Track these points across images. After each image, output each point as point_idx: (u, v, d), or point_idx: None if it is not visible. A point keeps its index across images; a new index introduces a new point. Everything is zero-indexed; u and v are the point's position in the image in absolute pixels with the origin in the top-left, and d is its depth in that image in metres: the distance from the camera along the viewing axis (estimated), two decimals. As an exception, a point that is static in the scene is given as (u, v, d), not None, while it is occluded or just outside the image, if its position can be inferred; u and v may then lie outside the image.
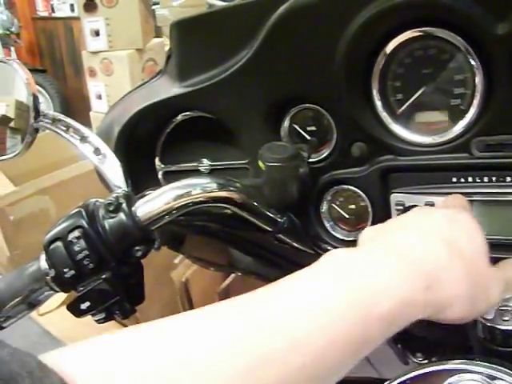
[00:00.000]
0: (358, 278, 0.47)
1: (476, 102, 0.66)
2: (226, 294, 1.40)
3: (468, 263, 0.52)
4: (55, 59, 6.02)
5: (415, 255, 0.50)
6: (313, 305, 0.45)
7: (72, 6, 5.60)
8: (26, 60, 5.86)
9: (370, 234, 0.57)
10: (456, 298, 0.51)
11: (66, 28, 5.76)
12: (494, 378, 0.54)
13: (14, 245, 2.21)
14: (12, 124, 0.83)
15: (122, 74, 3.87)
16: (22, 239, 2.21)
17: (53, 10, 5.94)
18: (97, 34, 3.87)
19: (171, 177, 0.92)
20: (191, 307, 1.49)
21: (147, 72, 3.88)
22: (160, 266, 1.39)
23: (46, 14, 6.03)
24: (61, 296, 1.30)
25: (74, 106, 5.48)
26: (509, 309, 0.60)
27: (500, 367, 0.55)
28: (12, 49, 5.73)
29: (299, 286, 0.47)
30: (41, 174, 2.34)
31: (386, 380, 0.59)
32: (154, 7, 3.93)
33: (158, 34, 4.14)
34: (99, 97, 4.07)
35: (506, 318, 0.61)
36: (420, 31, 0.67)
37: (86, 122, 3.85)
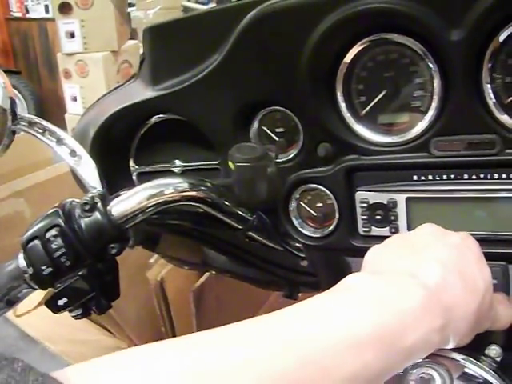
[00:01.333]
0: (385, 309, 0.47)
1: (434, 104, 0.69)
2: (200, 293, 1.42)
3: (479, 300, 0.53)
4: (29, 61, 5.96)
5: (437, 288, 0.50)
6: (338, 333, 0.44)
7: (47, 6, 5.54)
8: (0, 61, 5.80)
9: (382, 256, 0.57)
10: (463, 336, 0.52)
11: (41, 29, 5.71)
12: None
13: (-11, 246, 2.20)
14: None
15: (97, 75, 3.87)
16: (-4, 241, 2.19)
17: (27, 11, 5.88)
18: (72, 35, 3.87)
19: (145, 177, 0.93)
20: (167, 306, 1.50)
21: (122, 74, 3.89)
22: (135, 266, 1.41)
23: (19, 14, 5.96)
24: (38, 297, 1.31)
25: (49, 107, 5.44)
26: None
27: (456, 353, 0.58)
28: (-15, 50, 5.68)
29: (325, 311, 0.47)
30: (16, 177, 2.33)
31: None
32: (129, 9, 3.94)
33: (133, 36, 4.14)
34: (74, 99, 4.06)
35: None
36: (381, 37, 0.70)
37: (61, 124, 3.82)
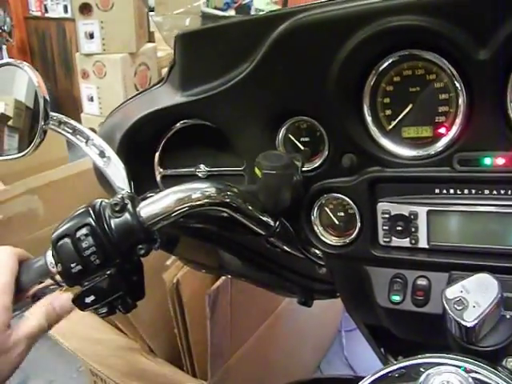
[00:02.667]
0: None
1: (458, 120, 0.71)
2: (215, 296, 1.43)
3: None
4: (46, 59, 5.99)
5: None
6: None
7: (66, 6, 5.56)
8: (17, 59, 5.83)
9: None
10: None
11: (59, 29, 5.73)
12: (470, 371, 0.56)
13: (2, 244, 2.22)
14: (15, 124, 0.86)
15: (115, 77, 3.89)
16: (10, 238, 2.21)
17: (46, 10, 5.91)
18: (91, 36, 3.89)
19: (169, 180, 0.96)
20: (181, 308, 1.52)
21: (139, 76, 3.91)
22: (152, 268, 1.42)
23: (38, 13, 5.99)
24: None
25: (64, 107, 5.46)
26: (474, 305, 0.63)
27: (475, 361, 0.58)
28: (3, 47, 5.71)
29: None
30: (31, 174, 2.35)
31: (364, 377, 0.61)
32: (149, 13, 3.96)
33: (151, 39, 4.17)
34: (91, 99, 4.08)
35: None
36: (409, 53, 0.71)
37: (77, 124, 3.85)
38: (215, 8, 3.94)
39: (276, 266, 1.05)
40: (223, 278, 1.46)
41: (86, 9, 3.85)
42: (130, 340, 1.76)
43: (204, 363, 1.58)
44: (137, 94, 0.97)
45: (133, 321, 1.60)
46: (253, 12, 3.82)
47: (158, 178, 0.96)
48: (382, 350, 0.89)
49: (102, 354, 1.70)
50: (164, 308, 1.54)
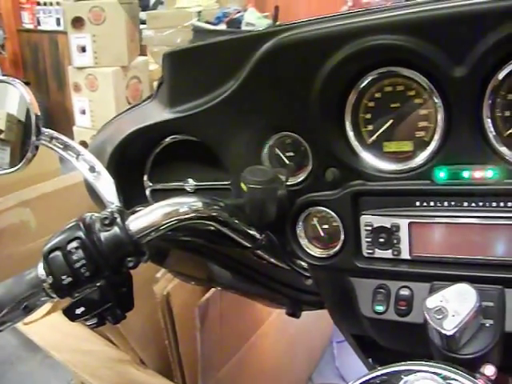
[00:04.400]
0: None
1: (437, 135, 0.73)
2: (205, 308, 1.44)
3: None
4: (39, 72, 6.00)
5: None
6: None
7: (58, 19, 5.58)
8: (10, 72, 5.82)
9: None
10: None
11: (51, 41, 5.74)
12: (448, 378, 0.58)
13: (-6, 256, 2.21)
14: (7, 137, 0.87)
15: (107, 90, 3.91)
16: (2, 250, 2.21)
17: (38, 23, 5.92)
18: (83, 49, 3.92)
19: (158, 194, 0.97)
20: (172, 320, 1.52)
21: (131, 89, 3.93)
22: (143, 280, 1.43)
23: (31, 26, 6.00)
24: (46, 307, 1.34)
25: (57, 119, 5.47)
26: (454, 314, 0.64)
27: (453, 369, 0.59)
28: (-4, 60, 5.73)
29: None
30: (23, 187, 2.35)
31: None
32: (141, 26, 3.99)
33: (143, 53, 4.19)
34: (83, 112, 4.10)
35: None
36: (389, 70, 0.74)
37: (69, 137, 3.85)
38: (207, 22, 3.98)
39: (264, 277, 1.06)
40: (213, 289, 1.47)
41: (78, 22, 3.88)
42: (120, 352, 1.76)
43: (195, 374, 1.59)
44: (127, 109, 0.98)
45: (123, 332, 1.61)
46: (244, 26, 3.85)
47: (148, 192, 0.98)
48: (370, 360, 0.90)
49: (93, 365, 1.70)
50: (155, 320, 1.55)
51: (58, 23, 5.62)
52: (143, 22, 4.21)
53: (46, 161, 2.60)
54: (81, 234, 0.69)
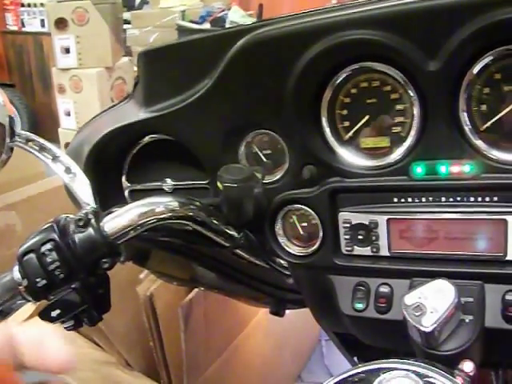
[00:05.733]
0: None
1: (413, 130, 0.72)
2: (188, 308, 1.44)
3: None
4: (24, 74, 5.97)
5: None
6: None
7: (43, 21, 5.57)
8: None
9: None
10: None
11: (36, 43, 5.73)
12: (425, 376, 0.57)
13: (-20, 259, 2.20)
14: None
15: (91, 91, 3.90)
16: (-13, 254, 2.19)
17: (23, 25, 5.90)
18: (67, 51, 3.90)
19: (137, 195, 0.96)
20: (156, 321, 1.52)
21: (116, 90, 3.92)
22: (126, 281, 1.43)
23: (15, 28, 5.98)
24: (29, 309, 1.32)
25: (42, 121, 5.45)
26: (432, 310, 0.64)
27: (430, 366, 0.59)
28: (-20, 62, 5.70)
29: None
30: (8, 190, 2.33)
31: None
32: (125, 26, 3.98)
33: (128, 54, 4.18)
34: (68, 113, 4.09)
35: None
36: (363, 65, 0.73)
37: (55, 138, 3.85)
38: (191, 21, 3.97)
39: (246, 277, 1.06)
40: (196, 290, 1.47)
41: (61, 23, 3.86)
42: (106, 354, 1.75)
43: (180, 375, 1.58)
44: (105, 110, 0.98)
45: (108, 334, 1.60)
46: (228, 24, 3.84)
47: (126, 192, 0.97)
48: (356, 358, 0.90)
49: (78, 367, 1.69)
50: (139, 321, 1.54)
51: (43, 24, 5.60)
52: (127, 22, 4.19)
53: (31, 163, 2.58)
54: (54, 235, 0.68)
